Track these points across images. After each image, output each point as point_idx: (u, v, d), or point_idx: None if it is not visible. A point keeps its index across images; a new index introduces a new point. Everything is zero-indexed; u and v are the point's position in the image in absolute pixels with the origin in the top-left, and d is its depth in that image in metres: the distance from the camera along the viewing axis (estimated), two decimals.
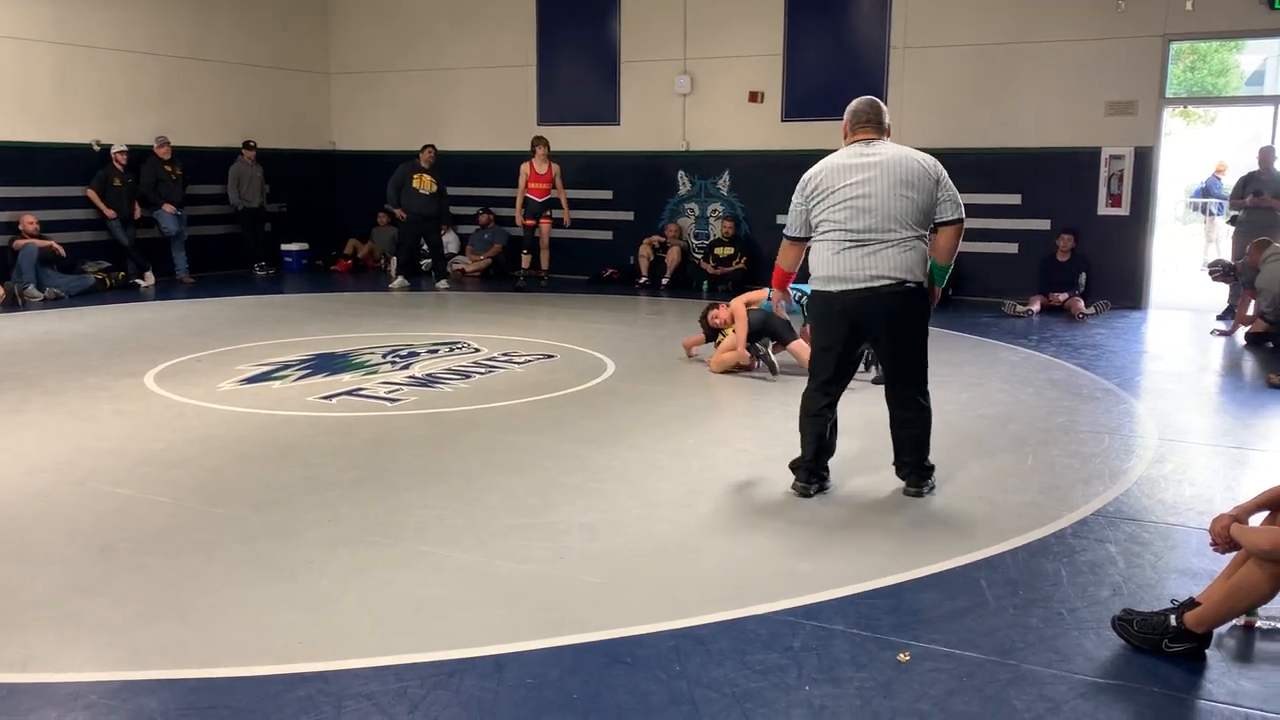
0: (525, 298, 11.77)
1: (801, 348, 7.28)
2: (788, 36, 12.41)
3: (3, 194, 11.36)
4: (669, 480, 4.98)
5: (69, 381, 7.04)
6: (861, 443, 5.44)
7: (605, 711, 2.85)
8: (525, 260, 12.67)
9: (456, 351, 8.22)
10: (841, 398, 4.80)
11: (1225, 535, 3.15)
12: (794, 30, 12.38)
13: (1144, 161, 11.06)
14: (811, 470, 4.73)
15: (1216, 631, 3.23)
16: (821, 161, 4.64)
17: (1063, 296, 10.74)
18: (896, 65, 11.87)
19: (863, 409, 5.86)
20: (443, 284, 12.55)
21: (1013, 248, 11.60)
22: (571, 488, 4.82)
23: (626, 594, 3.65)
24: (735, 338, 7.48)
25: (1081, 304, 10.55)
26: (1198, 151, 21.22)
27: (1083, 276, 11.00)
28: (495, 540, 4.13)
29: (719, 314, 7.74)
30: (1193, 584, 3.62)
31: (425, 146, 12.64)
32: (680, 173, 13.32)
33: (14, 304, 10.64)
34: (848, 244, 4.50)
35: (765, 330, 7.45)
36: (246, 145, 13.44)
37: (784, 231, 4.84)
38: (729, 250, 12.57)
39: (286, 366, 7.56)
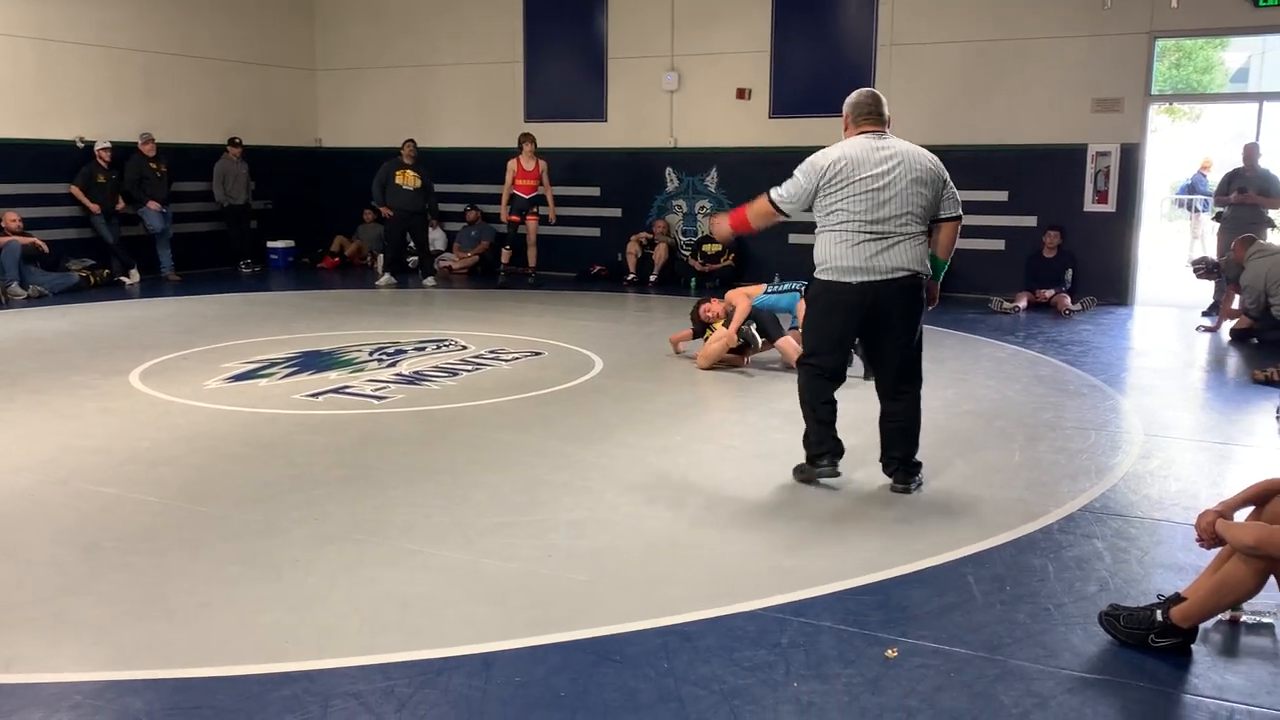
0: (512, 295, 11.75)
1: (789, 344, 7.29)
2: (775, 33, 12.42)
3: None
4: (656, 477, 4.97)
5: (53, 380, 6.99)
6: (850, 440, 5.43)
7: (593, 709, 2.85)
8: (505, 256, 12.64)
9: (444, 349, 8.20)
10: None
11: (1210, 531, 3.16)
12: (781, 27, 12.39)
13: (1130, 158, 11.10)
14: (832, 451, 4.78)
15: (1202, 626, 3.25)
16: (837, 148, 4.59)
17: (1049, 293, 10.78)
18: (884, 62, 11.89)
19: (848, 405, 5.85)
20: (430, 281, 12.52)
21: (999, 244, 11.63)
22: (559, 485, 4.81)
23: (614, 591, 3.65)
24: (721, 330, 7.47)
25: (1068, 300, 10.58)
26: (1183, 148, 21.30)
27: (1069, 273, 11.04)
28: (482, 538, 4.12)
29: (711, 308, 7.74)
30: (1178, 579, 3.63)
31: (405, 141, 12.60)
32: (668, 169, 13.31)
33: None
34: (867, 236, 4.51)
35: (755, 322, 7.49)
36: (232, 142, 13.37)
37: (772, 196, 4.69)
38: (717, 247, 12.55)
39: (273, 364, 7.53)
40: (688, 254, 12.89)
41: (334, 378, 7.09)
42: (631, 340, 8.83)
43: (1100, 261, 11.21)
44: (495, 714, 2.83)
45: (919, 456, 4.81)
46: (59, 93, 11.96)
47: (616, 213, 13.56)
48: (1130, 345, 9.07)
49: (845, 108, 4.71)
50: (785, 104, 12.40)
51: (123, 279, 12.11)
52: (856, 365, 5.74)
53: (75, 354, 7.90)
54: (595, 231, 13.67)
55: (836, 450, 4.79)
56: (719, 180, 13.05)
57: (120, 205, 12.12)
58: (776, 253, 11.87)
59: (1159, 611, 3.19)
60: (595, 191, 13.62)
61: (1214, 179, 13.55)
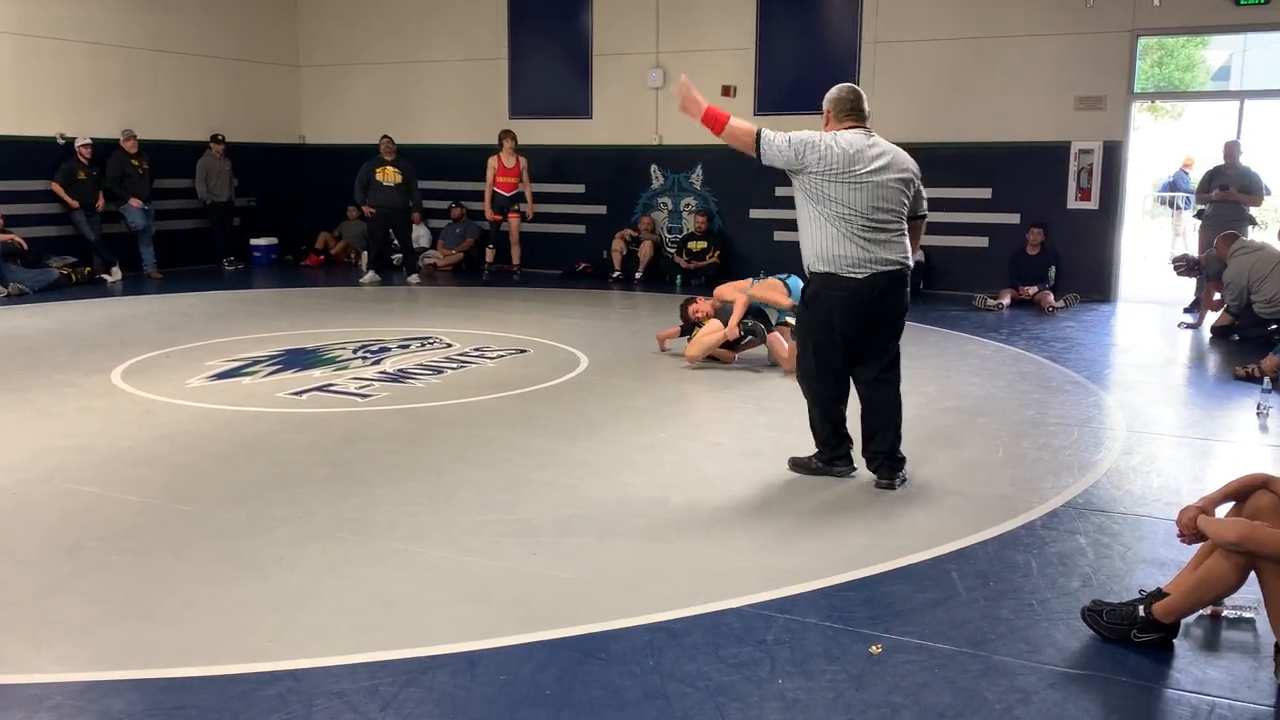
0: (497, 292, 11.72)
1: (778, 341, 7.29)
2: (760, 30, 12.42)
3: None
4: (642, 475, 4.97)
5: (35, 378, 6.94)
6: None
7: (578, 707, 2.85)
8: (490, 255, 12.62)
9: (428, 347, 8.17)
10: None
11: (1192, 526, 3.18)
12: (766, 24, 12.40)
13: (1113, 156, 11.16)
14: (850, 451, 4.85)
15: (1184, 621, 3.27)
16: (833, 135, 4.58)
17: (1033, 290, 10.82)
18: (868, 60, 11.91)
19: None
20: (414, 278, 12.48)
21: (983, 241, 11.68)
22: (544, 483, 4.81)
23: (599, 589, 3.65)
24: (717, 323, 7.43)
25: (1051, 297, 10.63)
26: (1165, 146, 21.40)
27: (1052, 270, 11.09)
28: (467, 536, 4.11)
29: (699, 307, 7.73)
30: (1161, 574, 3.66)
31: (382, 137, 12.54)
32: (653, 167, 13.31)
33: None
34: (869, 230, 4.56)
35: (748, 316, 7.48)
36: (215, 139, 13.29)
37: (765, 135, 4.53)
38: (702, 244, 12.57)
39: (256, 362, 7.50)
40: (673, 251, 12.89)
41: (318, 376, 7.06)
42: (617, 337, 8.82)
43: (1083, 259, 11.27)
44: (480, 712, 2.82)
45: (903, 451, 4.83)
46: (39, 88, 11.86)
47: (601, 210, 13.55)
48: (1113, 342, 9.12)
49: (826, 103, 4.72)
50: (770, 101, 12.41)
51: (104, 276, 12.03)
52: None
53: (57, 352, 7.84)
54: (580, 229, 13.65)
55: (850, 448, 4.88)
56: (704, 178, 13.06)
57: (101, 203, 12.04)
58: (762, 249, 11.89)
59: (1141, 607, 3.21)
60: (580, 189, 13.60)
61: (1196, 176, 13.62)
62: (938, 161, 11.36)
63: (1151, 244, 17.61)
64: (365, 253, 12.96)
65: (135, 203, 12.28)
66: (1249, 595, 3.24)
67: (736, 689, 2.95)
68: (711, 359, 7.55)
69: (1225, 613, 3.39)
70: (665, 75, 12.86)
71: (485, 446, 5.41)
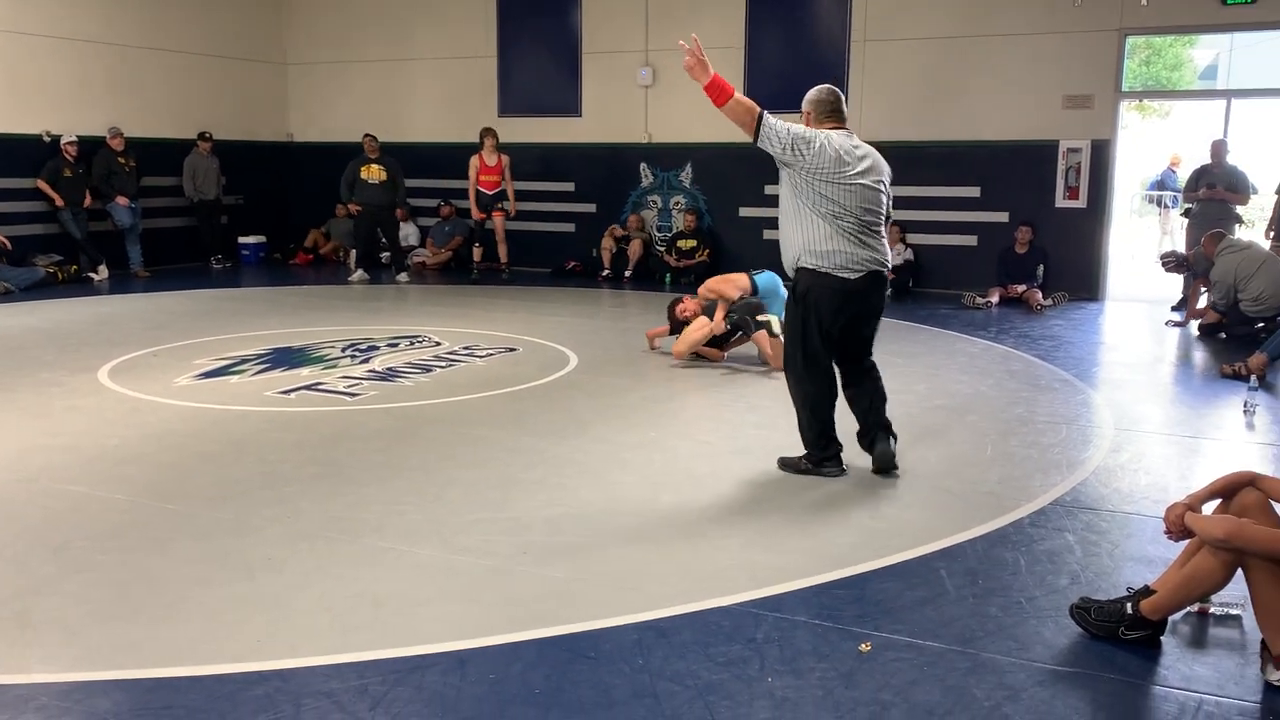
0: (486, 290, 11.70)
1: (764, 340, 7.30)
2: (748, 29, 12.42)
3: None
4: (631, 473, 4.97)
5: (21, 377, 6.90)
6: None
7: (568, 706, 2.84)
8: (477, 254, 12.60)
9: (417, 345, 8.15)
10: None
11: (1179, 523, 3.19)
12: (755, 23, 12.40)
13: (1101, 154, 11.19)
14: (839, 452, 4.89)
15: (1171, 618, 3.28)
16: (826, 135, 4.60)
17: (1021, 288, 10.85)
18: (857, 58, 11.92)
19: None
20: (403, 277, 12.45)
21: (972, 240, 11.70)
22: (533, 482, 4.80)
23: (589, 588, 3.64)
24: (704, 320, 7.44)
25: (1039, 295, 10.66)
26: (1153, 145, 21.49)
27: (1041, 268, 11.12)
28: (456, 535, 4.10)
29: (686, 306, 7.73)
30: (1148, 571, 3.67)
31: (365, 136, 12.49)
32: (642, 165, 13.30)
33: None
34: (860, 230, 4.63)
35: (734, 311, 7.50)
36: (202, 137, 13.23)
37: (767, 121, 4.57)
38: (691, 243, 12.57)
39: (244, 361, 7.47)
40: (662, 249, 12.89)
41: (306, 374, 7.04)
42: (606, 336, 8.82)
43: (1071, 257, 11.30)
44: (470, 711, 2.82)
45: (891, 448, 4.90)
46: (25, 85, 11.79)
47: (591, 208, 13.53)
48: (1101, 340, 9.15)
49: (806, 104, 4.77)
50: (759, 99, 11.93)
51: (91, 275, 11.96)
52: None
53: (43, 351, 7.80)
54: (570, 227, 13.64)
55: (839, 448, 4.91)
56: (693, 176, 13.05)
57: (88, 201, 11.97)
58: (752, 247, 11.89)
59: (1129, 604, 3.22)
60: (569, 187, 13.59)
61: (1183, 175, 13.67)
62: (926, 160, 11.41)
63: (1139, 242, 17.70)
64: (354, 251, 12.92)
65: (122, 201, 12.21)
66: (1236, 592, 3.26)
67: (726, 687, 2.95)
68: (700, 357, 7.56)
69: (1212, 610, 3.40)
70: (654, 74, 12.86)
71: (474, 445, 5.40)
